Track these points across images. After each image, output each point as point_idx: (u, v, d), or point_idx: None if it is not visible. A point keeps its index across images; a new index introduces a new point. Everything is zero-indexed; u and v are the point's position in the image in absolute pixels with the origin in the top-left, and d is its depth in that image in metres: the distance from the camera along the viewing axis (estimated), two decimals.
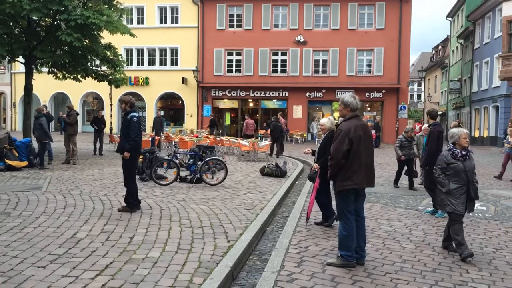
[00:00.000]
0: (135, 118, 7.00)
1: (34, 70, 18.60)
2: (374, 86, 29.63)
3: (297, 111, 31.00)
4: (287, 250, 5.24)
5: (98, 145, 17.16)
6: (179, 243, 5.23)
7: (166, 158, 10.35)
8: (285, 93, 30.76)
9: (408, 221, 7.15)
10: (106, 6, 15.73)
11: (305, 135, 29.84)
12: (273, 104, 31.84)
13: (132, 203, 7.01)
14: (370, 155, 4.81)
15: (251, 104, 33.02)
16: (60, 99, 35.43)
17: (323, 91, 29.96)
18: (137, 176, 10.51)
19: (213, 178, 10.24)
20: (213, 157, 11.00)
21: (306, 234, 6.04)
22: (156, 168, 10.32)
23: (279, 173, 11.75)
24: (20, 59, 17.07)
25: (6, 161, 11.31)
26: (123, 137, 7.03)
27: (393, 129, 29.57)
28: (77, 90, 31.89)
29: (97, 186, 9.50)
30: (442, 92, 47.62)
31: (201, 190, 9.37)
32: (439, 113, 42.48)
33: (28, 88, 16.34)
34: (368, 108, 31.17)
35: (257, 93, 31.11)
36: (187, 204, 7.68)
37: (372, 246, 5.53)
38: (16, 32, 16.27)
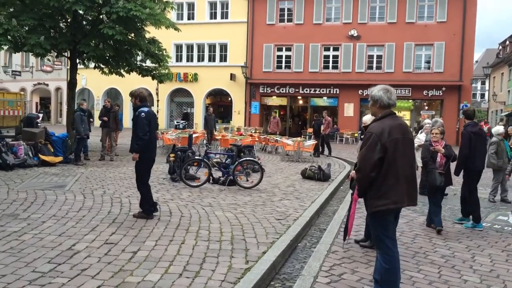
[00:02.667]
0: (143, 114, 6.25)
1: (81, 65, 18.77)
2: (433, 84, 27.59)
3: (349, 109, 29.54)
4: (315, 278, 4.29)
5: None
6: (187, 262, 4.42)
7: (197, 157, 9.64)
8: (336, 90, 29.41)
9: (470, 242, 5.94)
10: None
11: (356, 134, 28.33)
12: (323, 101, 30.57)
13: (148, 209, 6.31)
14: (411, 165, 3.69)
15: (300, 102, 31.95)
16: (113, 94, 36.01)
17: None
18: (168, 176, 9.95)
19: (247, 180, 9.40)
20: (247, 158, 10.16)
21: (343, 256, 5.04)
22: (188, 167, 9.64)
23: (321, 176, 10.72)
24: (66, 54, 17.07)
25: (40, 156, 11.07)
26: (133, 136, 6.31)
27: (454, 129, 27.37)
28: (128, 86, 31.98)
29: (123, 185, 8.95)
30: (509, 91, 44.03)
31: (233, 193, 8.56)
32: (505, 113, 39.37)
33: (72, 82, 16.29)
34: (426, 107, 29.14)
35: (306, 90, 29.98)
36: (212, 211, 6.89)
37: (425, 277, 4.45)
38: (62, 26, 16.28)
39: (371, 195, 3.63)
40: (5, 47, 14.79)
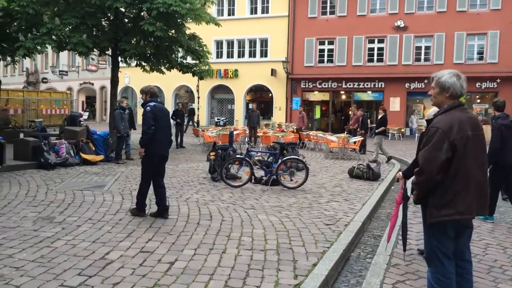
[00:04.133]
0: (148, 108, 5.99)
1: (124, 63, 18.84)
2: (487, 75, 25.90)
3: (395, 104, 28.30)
4: None
5: (179, 138, 16.67)
6: (229, 276, 3.96)
7: (238, 156, 9.19)
8: (381, 84, 28.24)
9: None
10: None
11: (403, 130, 27.13)
12: (367, 96, 29.47)
13: (140, 205, 6.11)
14: (482, 167, 3.06)
15: (343, 97, 30.97)
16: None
17: (425, 81, 26.87)
18: (209, 176, 9.58)
19: (291, 180, 8.86)
20: (292, 156, 9.61)
21: (406, 271, 4.40)
22: (229, 166, 9.22)
23: (370, 175, 10.02)
24: (108, 52, 17.11)
25: (82, 155, 11.00)
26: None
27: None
28: (170, 83, 32.46)
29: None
30: None
31: (276, 194, 8.05)
32: None
33: (114, 80, 16.28)
34: (478, 100, 27.44)
35: (350, 85, 28.98)
36: (255, 214, 6.41)
37: None
38: (103, 24, 16.31)
39: (432, 202, 3.04)
40: (49, 46, 14.95)
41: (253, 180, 8.98)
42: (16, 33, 14.69)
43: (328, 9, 29.22)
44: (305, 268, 4.24)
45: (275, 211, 6.64)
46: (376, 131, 13.86)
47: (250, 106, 23.44)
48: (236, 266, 4.23)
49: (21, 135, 12.73)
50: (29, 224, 5.41)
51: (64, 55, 39.75)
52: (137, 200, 6.18)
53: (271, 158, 10.66)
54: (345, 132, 17.50)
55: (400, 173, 4.47)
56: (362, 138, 15.74)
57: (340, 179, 10.15)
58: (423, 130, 4.19)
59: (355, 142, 15.17)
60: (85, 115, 39.82)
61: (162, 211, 6.09)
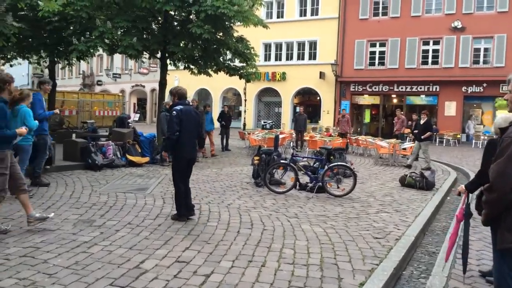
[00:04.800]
0: (174, 112, 5.87)
1: (172, 66, 19.06)
2: None
3: (450, 108, 26.96)
4: None
5: (225, 141, 16.59)
6: None
7: (282, 161, 8.88)
8: (436, 88, 26.98)
9: None
10: None
11: (459, 136, 25.73)
12: (420, 100, 28.26)
13: (179, 211, 5.98)
14: None
15: (394, 100, 29.86)
16: (203, 94, 36.73)
17: (484, 85, 25.40)
18: (252, 180, 9.34)
19: (338, 187, 8.44)
20: (339, 163, 9.17)
21: None
22: (273, 171, 8.94)
23: (424, 184, 9.40)
24: (157, 54, 17.34)
25: (128, 156, 11.08)
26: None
27: None
28: (218, 86, 32.70)
29: (206, 189, 8.47)
30: None
31: (322, 202, 7.67)
32: None
33: (162, 83, 16.45)
34: None
35: (402, 88, 27.91)
36: (299, 224, 6.07)
37: None
38: (153, 27, 16.54)
39: (505, 224, 2.63)
40: (101, 49, 15.32)
41: (297, 187, 8.64)
42: (71, 36, 15.18)
43: (380, 10, 28.33)
44: (351, 287, 3.87)
45: (320, 221, 6.27)
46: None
47: (297, 109, 23.12)
48: (276, 282, 3.92)
49: (73, 136, 13.06)
50: (69, 227, 5.37)
51: (117, 58, 41.12)
52: (176, 206, 6.04)
53: (317, 163, 10.28)
54: (396, 138, 16.73)
55: (463, 186, 4.01)
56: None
57: (390, 187, 9.59)
58: (492, 138, 3.72)
59: (405, 149, 14.45)
60: (136, 116, 41.02)
61: (189, 209, 6.10)
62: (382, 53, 28.36)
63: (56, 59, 18.56)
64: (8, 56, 18.57)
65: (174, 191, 6.14)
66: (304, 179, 9.12)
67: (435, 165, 14.08)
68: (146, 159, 11.49)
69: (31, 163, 7.65)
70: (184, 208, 6.02)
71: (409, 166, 13.03)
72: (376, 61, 28.56)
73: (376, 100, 29.57)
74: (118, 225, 5.60)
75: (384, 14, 28.18)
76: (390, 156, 14.43)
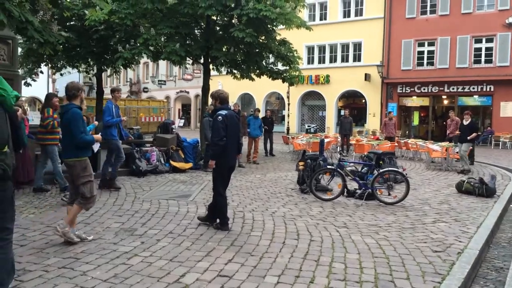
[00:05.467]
0: (219, 117, 5.64)
1: (215, 71, 19.07)
2: None
3: (506, 109, 25.42)
4: None
5: (268, 146, 16.30)
6: None
7: (329, 167, 8.46)
8: (490, 87, 25.53)
9: None
10: None
11: None
12: (473, 100, 26.85)
13: (222, 220, 5.75)
14: None
15: (445, 102, 28.59)
16: (246, 99, 36.72)
17: None
18: (297, 187, 8.98)
19: (389, 195, 7.93)
20: (390, 168, 8.65)
21: None
22: (319, 177, 8.54)
23: (484, 191, 8.68)
24: (200, 60, 17.36)
25: (171, 162, 11.03)
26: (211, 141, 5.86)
27: None
28: (261, 90, 32.57)
29: (249, 196, 8.21)
30: None
31: (372, 211, 7.20)
32: None
33: (205, 88, 16.42)
34: None
35: (453, 88, 26.63)
36: (348, 234, 5.67)
37: None
38: (196, 33, 16.57)
39: None
40: (145, 56, 15.50)
41: (345, 193, 8.21)
42: (116, 44, 15.46)
43: (428, 8, 27.23)
44: None
45: (372, 231, 5.84)
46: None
47: (342, 112, 22.51)
48: None
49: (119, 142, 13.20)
50: (110, 236, 5.24)
51: (162, 65, 41.94)
52: (218, 214, 5.81)
53: (365, 169, 9.80)
54: (450, 141, 15.81)
55: None
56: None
57: (446, 194, 8.95)
58: None
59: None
60: (181, 122, 41.61)
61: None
62: (431, 52, 27.22)
63: (103, 67, 19.00)
64: (58, 65, 19.19)
65: (215, 201, 5.88)
66: (352, 185, 8.68)
67: (494, 169, 13.16)
68: (189, 164, 11.40)
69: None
70: (224, 219, 5.82)
71: (465, 171, 12.21)
72: (425, 61, 27.44)
73: (425, 101, 28.40)
74: (159, 234, 5.42)
75: (433, 12, 27.05)
76: (443, 160, 13.62)
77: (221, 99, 5.92)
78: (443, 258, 4.80)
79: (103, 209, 6.69)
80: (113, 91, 8.74)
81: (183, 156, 11.58)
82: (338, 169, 8.07)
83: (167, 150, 11.23)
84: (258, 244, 5.12)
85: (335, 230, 5.88)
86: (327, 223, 6.27)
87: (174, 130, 14.62)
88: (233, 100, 35.71)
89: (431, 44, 27.16)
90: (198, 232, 5.58)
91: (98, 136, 5.39)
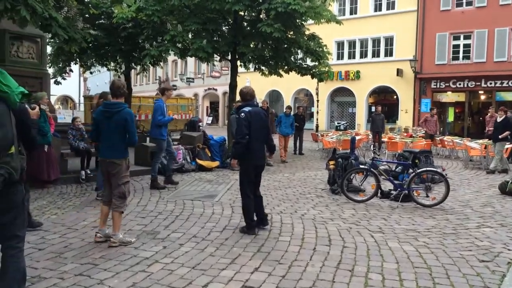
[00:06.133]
0: (242, 114, 5.37)
1: (243, 68, 18.80)
2: None
3: None
4: None
5: (298, 144, 15.88)
6: None
7: (362, 166, 8.00)
8: None
9: None
10: None
11: None
12: None
13: (249, 223, 5.43)
14: None
15: (482, 97, 27.40)
16: (275, 96, 36.31)
17: None
18: (328, 187, 8.59)
19: (427, 196, 7.42)
20: (429, 168, 8.13)
21: None
22: (351, 177, 8.12)
23: None
24: (228, 56, 17.10)
25: (198, 161, 10.80)
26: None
27: None
28: (289, 87, 32.14)
29: (277, 197, 7.87)
30: None
31: (409, 213, 6.73)
32: None
33: (232, 85, 16.18)
34: None
35: (490, 83, 25.46)
36: (384, 240, 5.25)
37: None
38: (223, 29, 16.32)
39: None
40: (172, 53, 15.36)
41: (379, 194, 7.76)
42: (144, 42, 15.40)
43: (464, 0, 26.09)
44: None
45: (410, 237, 5.40)
46: (500, 136, 11.47)
47: (373, 108, 21.82)
48: None
49: (147, 140, 13.10)
50: (132, 240, 5.00)
51: (191, 63, 42.04)
52: (244, 217, 5.50)
53: (399, 168, 9.33)
54: (489, 138, 15.01)
55: None
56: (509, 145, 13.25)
57: (488, 195, 8.35)
58: None
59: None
60: (209, 120, 41.63)
61: (262, 219, 5.64)
62: (467, 46, 26.09)
63: (131, 65, 19.01)
64: (88, 64, 19.32)
65: (242, 204, 5.57)
66: (386, 185, 8.21)
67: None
68: (216, 163, 11.15)
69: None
70: (258, 219, 5.58)
71: (499, 171, 11.47)
72: (460, 55, 26.33)
73: (460, 97, 27.29)
74: (182, 238, 5.16)
75: (469, 4, 25.90)
76: (482, 159, 12.90)
77: (242, 95, 5.65)
78: (492, 268, 4.33)
79: (126, 210, 6.45)
80: (165, 89, 8.72)
81: (209, 155, 11.34)
82: (372, 169, 7.62)
83: (193, 148, 11.01)
84: (287, 251, 4.78)
85: (370, 235, 5.47)
86: (361, 227, 5.86)
87: (201, 127, 14.39)
88: (261, 97, 35.41)
89: (467, 37, 26.04)
90: (223, 236, 5.29)
91: None
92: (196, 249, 4.74)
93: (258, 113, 5.54)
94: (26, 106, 3.77)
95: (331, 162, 8.62)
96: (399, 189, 7.46)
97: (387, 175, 7.93)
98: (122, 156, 4.93)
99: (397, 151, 13.02)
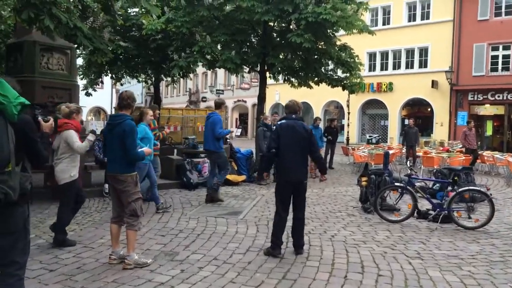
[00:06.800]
0: (274, 127, 5.52)
1: (272, 80, 18.56)
2: None
3: None
4: None
5: (328, 158, 15.36)
6: None
7: (397, 184, 7.47)
8: None
9: None
10: (341, 0, 13.78)
11: None
12: None
13: (273, 242, 5.09)
14: None
15: None
16: (304, 109, 35.81)
17: None
18: (359, 205, 8.09)
19: (469, 218, 6.82)
20: (471, 187, 7.52)
21: None
22: (384, 195, 7.60)
23: None
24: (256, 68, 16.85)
25: None
26: None
27: None
28: (319, 99, 31.68)
29: (305, 215, 7.38)
30: None
31: (450, 237, 6.16)
32: None
33: (261, 96, 15.90)
34: None
35: None
36: (424, 268, 4.74)
37: None
38: (252, 40, 16.11)
39: None
40: (201, 65, 15.24)
41: (415, 214, 7.20)
42: (173, 53, 15.37)
43: (503, 10, 25.07)
44: None
45: (452, 265, 4.86)
46: None
47: (407, 121, 21.08)
48: None
49: (175, 152, 12.90)
50: (148, 261, 4.68)
51: (220, 75, 42.18)
52: (272, 237, 5.12)
53: (437, 185, 8.77)
54: None
55: None
56: None
57: None
58: None
59: None
60: (238, 132, 41.48)
61: (295, 246, 5.22)
62: (506, 57, 24.99)
63: (160, 77, 19.04)
64: (118, 76, 19.49)
65: (273, 222, 5.25)
66: (422, 204, 7.64)
67: None
68: (243, 177, 10.81)
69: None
70: (293, 244, 5.25)
71: None
72: (499, 66, 25.22)
73: (499, 110, 26.07)
74: (202, 260, 4.80)
75: (508, 13, 24.85)
76: None
77: (286, 107, 5.50)
78: None
79: (147, 227, 6.20)
80: (221, 104, 9.02)
81: (236, 168, 11.02)
82: (409, 187, 7.07)
83: None
84: (315, 279, 4.34)
85: (407, 261, 4.97)
86: (397, 251, 5.36)
87: (228, 140, 14.10)
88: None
89: (506, 47, 24.94)
90: (246, 259, 4.90)
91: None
92: (216, 274, 4.37)
93: (291, 126, 5.20)
94: (40, 118, 3.51)
95: (364, 179, 8.13)
96: (438, 209, 6.89)
97: (423, 193, 7.37)
98: (125, 171, 4.58)
99: (433, 166, 12.35)
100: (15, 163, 2.66)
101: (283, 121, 5.30)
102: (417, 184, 8.31)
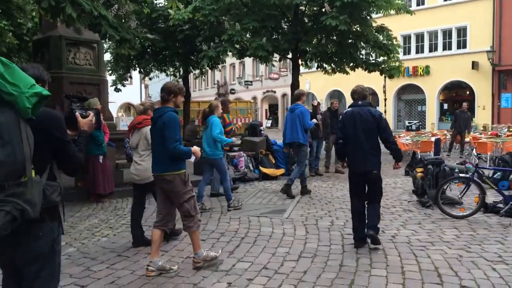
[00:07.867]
0: (341, 116, 5.24)
1: (304, 68, 17.82)
2: None
3: None
4: None
5: None
6: None
7: (462, 175, 6.64)
8: None
9: None
10: None
11: None
12: None
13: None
14: None
15: None
16: (336, 96, 34.79)
17: None
18: (414, 199, 7.33)
19: None
20: None
21: None
22: (444, 188, 6.79)
23: None
24: (288, 55, 16.12)
25: (261, 169, 9.87)
26: None
27: None
28: (351, 86, 29.98)
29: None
30: None
31: None
32: None
33: (294, 85, 15.16)
34: None
35: None
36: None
37: None
38: (283, 26, 15.38)
39: None
40: (230, 54, 14.65)
41: (482, 209, 6.38)
42: (201, 43, 14.83)
43: None
44: None
45: None
46: None
47: (445, 106, 19.85)
48: None
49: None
50: (188, 272, 4.13)
51: (248, 66, 41.54)
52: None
53: (498, 174, 7.91)
54: None
55: None
56: None
57: None
58: None
59: None
60: (268, 123, 40.81)
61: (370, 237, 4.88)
62: None
63: (189, 69, 18.55)
64: (146, 70, 19.12)
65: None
66: (490, 195, 6.81)
67: None
68: (281, 171, 10.15)
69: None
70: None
71: None
72: None
73: None
74: (250, 270, 4.20)
75: None
76: None
77: (355, 93, 5.14)
78: None
79: (184, 232, 5.63)
80: (302, 95, 8.38)
81: (273, 161, 10.37)
82: (476, 179, 6.25)
83: (256, 154, 10.09)
84: (370, 284, 3.67)
85: (490, 267, 4.22)
86: (474, 254, 4.61)
87: (262, 132, 13.47)
88: (321, 99, 34.08)
89: None
90: (300, 267, 4.26)
91: (197, 150, 4.28)
92: (269, 286, 3.75)
93: (355, 114, 4.92)
94: (77, 113, 2.74)
95: (419, 170, 7.35)
96: (511, 203, 6.06)
97: (495, 185, 6.52)
98: (171, 170, 4.08)
99: (486, 153, 11.36)
100: (34, 171, 2.06)
101: (349, 109, 5.06)
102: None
